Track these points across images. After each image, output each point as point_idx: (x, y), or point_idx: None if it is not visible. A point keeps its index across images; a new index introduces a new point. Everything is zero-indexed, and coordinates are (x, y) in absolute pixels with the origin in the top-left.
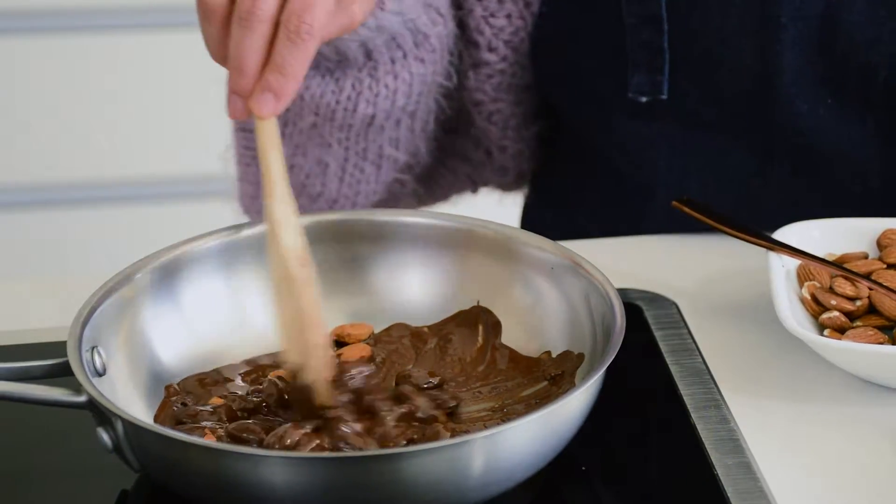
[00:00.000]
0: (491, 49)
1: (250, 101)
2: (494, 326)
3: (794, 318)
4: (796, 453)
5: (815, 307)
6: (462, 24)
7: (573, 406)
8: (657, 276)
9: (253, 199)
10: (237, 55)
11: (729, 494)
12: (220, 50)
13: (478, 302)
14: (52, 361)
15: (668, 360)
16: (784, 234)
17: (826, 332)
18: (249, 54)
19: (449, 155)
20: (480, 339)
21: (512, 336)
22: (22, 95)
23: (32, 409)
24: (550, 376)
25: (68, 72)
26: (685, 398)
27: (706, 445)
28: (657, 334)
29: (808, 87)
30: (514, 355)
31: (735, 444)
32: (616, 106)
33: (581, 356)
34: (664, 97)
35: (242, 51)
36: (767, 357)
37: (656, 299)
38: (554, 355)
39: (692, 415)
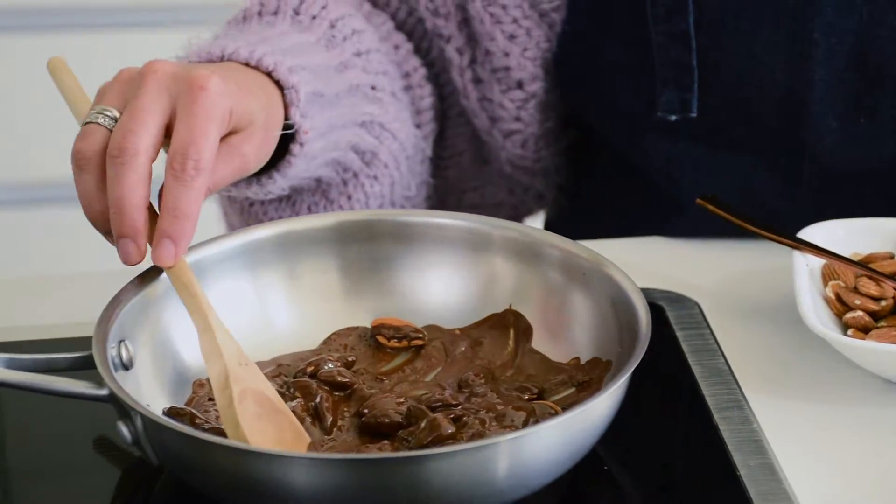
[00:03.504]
0: (520, 70)
1: (152, 256)
2: (525, 331)
3: (818, 317)
4: (819, 455)
5: (839, 307)
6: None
7: (598, 409)
8: (679, 276)
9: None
10: (117, 195)
11: (752, 496)
12: (99, 201)
13: (510, 305)
14: (77, 354)
15: (691, 360)
16: (809, 233)
17: (850, 332)
18: (128, 192)
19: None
20: (511, 343)
21: (540, 341)
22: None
23: (60, 402)
24: (578, 383)
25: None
26: (707, 399)
27: (729, 446)
28: (679, 334)
29: (838, 104)
30: (544, 361)
31: (758, 446)
32: (643, 124)
33: (609, 364)
34: (693, 115)
35: (121, 189)
36: (790, 357)
37: (678, 299)
38: (582, 361)
39: (714, 415)
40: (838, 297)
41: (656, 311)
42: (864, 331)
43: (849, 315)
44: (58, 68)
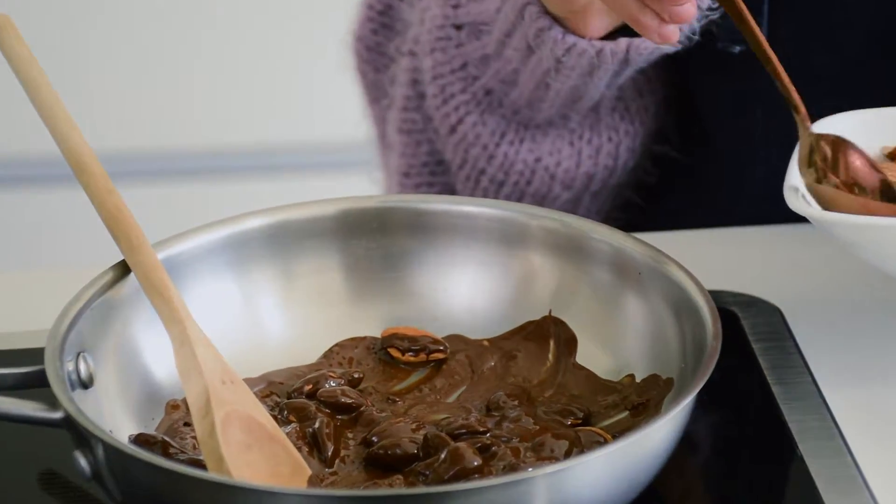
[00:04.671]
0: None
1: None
2: (568, 343)
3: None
4: None
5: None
6: None
7: (656, 438)
8: (756, 276)
9: (406, 176)
10: None
11: None
12: None
13: (549, 312)
14: (26, 369)
15: (770, 378)
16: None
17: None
18: None
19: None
20: (551, 357)
21: (586, 354)
22: None
23: (3, 427)
24: (632, 406)
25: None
26: (791, 426)
27: (818, 484)
28: (756, 347)
29: None
30: (591, 379)
31: (853, 484)
32: (705, 59)
33: (669, 382)
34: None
35: None
36: (894, 378)
37: (755, 304)
38: (638, 379)
39: (799, 446)
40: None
41: (728, 319)
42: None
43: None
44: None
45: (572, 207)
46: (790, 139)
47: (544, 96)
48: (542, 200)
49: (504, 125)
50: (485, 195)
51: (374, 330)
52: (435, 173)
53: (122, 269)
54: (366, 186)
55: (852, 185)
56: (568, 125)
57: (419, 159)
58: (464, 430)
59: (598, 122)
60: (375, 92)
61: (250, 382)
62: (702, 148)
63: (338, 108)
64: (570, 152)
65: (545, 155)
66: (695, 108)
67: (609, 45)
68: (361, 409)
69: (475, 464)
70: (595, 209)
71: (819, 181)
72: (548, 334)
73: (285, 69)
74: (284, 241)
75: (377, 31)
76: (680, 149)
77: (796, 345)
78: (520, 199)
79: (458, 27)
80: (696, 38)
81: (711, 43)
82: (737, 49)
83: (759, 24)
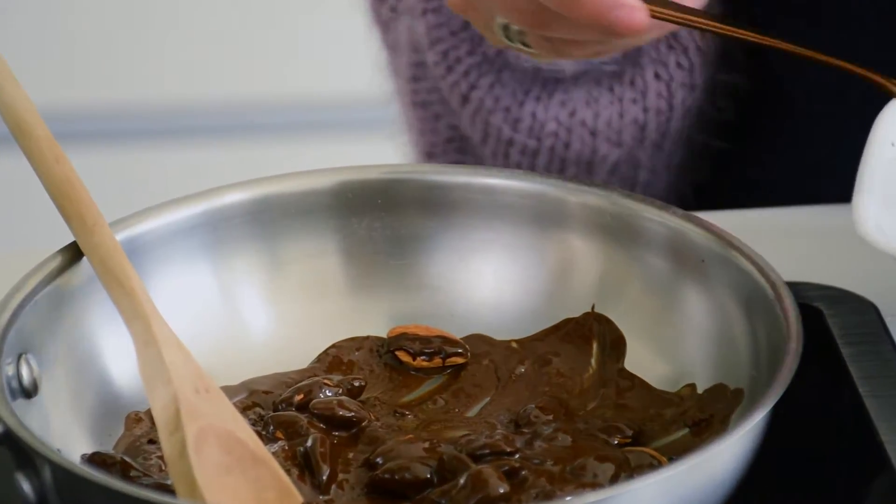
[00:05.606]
0: None
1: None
2: (615, 345)
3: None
4: None
5: None
6: None
7: (723, 461)
8: (847, 265)
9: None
10: None
11: None
12: None
13: (592, 307)
14: None
15: (863, 390)
16: None
17: None
18: None
19: None
20: (594, 362)
21: (637, 359)
22: None
23: None
24: (693, 422)
25: None
26: (888, 448)
27: None
28: (845, 351)
29: None
30: (642, 389)
31: None
32: None
33: (739, 393)
34: None
35: None
36: None
37: (844, 299)
38: (700, 390)
39: None
40: None
41: (812, 317)
42: None
43: None
44: None
45: (631, 169)
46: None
47: None
48: (588, 166)
49: (527, 81)
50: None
51: (379, 329)
52: (464, 150)
53: (73, 254)
54: (374, 153)
55: None
56: (603, 68)
57: (441, 135)
58: (487, 451)
59: (638, 56)
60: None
61: (229, 391)
62: (779, 106)
63: (343, 52)
64: (610, 98)
65: (580, 107)
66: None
67: None
68: (363, 423)
69: (501, 491)
70: (664, 164)
71: None
72: (590, 335)
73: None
74: (271, 219)
75: None
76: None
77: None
78: (562, 170)
79: None
80: None
81: None
82: None
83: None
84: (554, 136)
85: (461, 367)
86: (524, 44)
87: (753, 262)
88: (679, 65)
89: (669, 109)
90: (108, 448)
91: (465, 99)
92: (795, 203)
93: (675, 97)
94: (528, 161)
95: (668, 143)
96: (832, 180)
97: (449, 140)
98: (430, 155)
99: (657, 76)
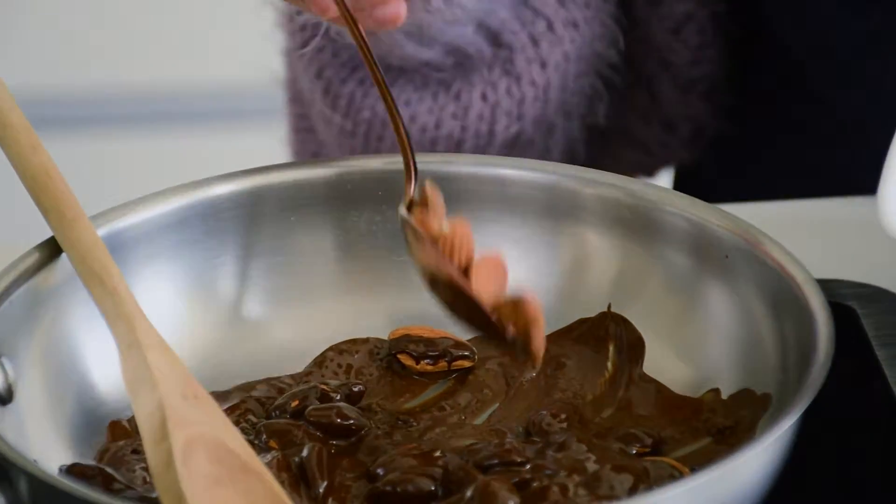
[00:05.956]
0: None
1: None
2: (633, 347)
3: None
4: None
5: None
6: None
7: (749, 471)
8: (881, 261)
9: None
10: None
11: None
12: None
13: (608, 307)
14: None
15: None
16: None
17: None
18: None
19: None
20: (611, 366)
21: (656, 362)
22: None
23: None
24: (717, 430)
25: None
26: None
27: None
28: (880, 354)
29: None
30: (662, 394)
31: None
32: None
33: (766, 399)
34: None
35: None
36: None
37: (879, 297)
38: (724, 395)
39: None
40: None
41: (844, 316)
42: None
43: None
44: None
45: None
46: None
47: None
48: None
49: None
50: None
51: (380, 330)
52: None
53: (52, 250)
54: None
55: None
56: (431, 74)
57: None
58: (496, 461)
59: (468, 72)
60: None
61: (219, 398)
62: (801, 91)
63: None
64: (431, 107)
65: (423, 114)
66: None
67: None
68: (363, 432)
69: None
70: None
71: None
72: (606, 336)
73: None
74: (264, 213)
75: None
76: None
77: None
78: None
79: None
80: None
81: None
82: None
83: None
84: (367, 123)
85: (468, 371)
86: None
87: (781, 258)
88: (508, 91)
89: (489, 135)
90: (88, 458)
91: (317, 78)
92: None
93: (497, 123)
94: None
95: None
96: (860, 171)
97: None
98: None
99: (483, 97)
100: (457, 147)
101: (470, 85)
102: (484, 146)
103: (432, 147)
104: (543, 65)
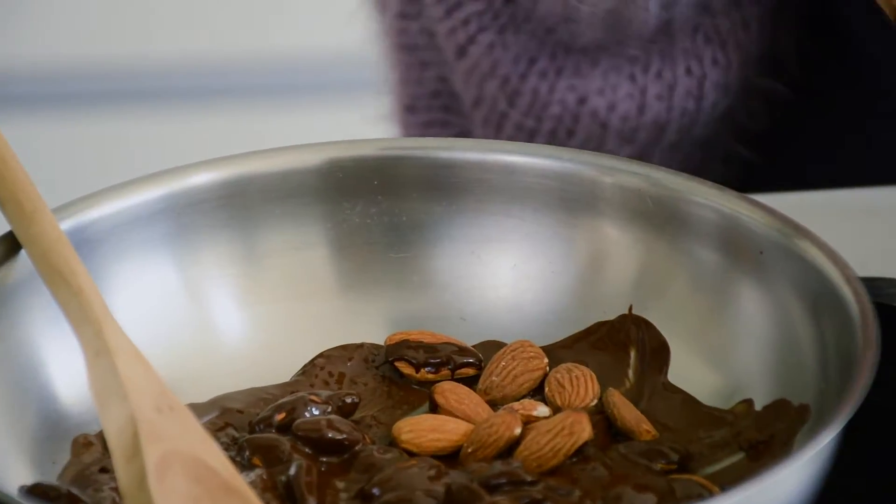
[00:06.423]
0: None
1: None
2: (658, 353)
3: None
4: None
5: None
6: None
7: (785, 490)
8: None
9: (410, 111)
10: None
11: None
12: None
13: (629, 308)
14: None
15: None
16: None
17: None
18: None
19: None
20: (632, 374)
21: (683, 369)
22: None
23: None
24: (750, 444)
25: None
26: None
27: None
28: None
29: None
30: (689, 405)
31: None
32: None
33: (804, 410)
34: None
35: None
36: None
37: None
38: (758, 406)
39: None
40: None
41: (891, 318)
42: None
43: None
44: None
45: None
46: None
47: (575, 15)
48: None
49: (534, 48)
50: None
51: (376, 335)
52: (450, 109)
53: (9, 246)
54: (369, 124)
55: None
56: (626, 51)
57: (426, 87)
58: (504, 480)
59: (671, 45)
60: None
61: (197, 410)
62: (837, 75)
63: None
64: (630, 90)
65: (592, 94)
66: (831, 19)
67: None
68: (357, 448)
69: None
70: (677, 167)
71: None
72: (627, 341)
73: None
74: (246, 204)
75: None
76: (800, 80)
77: None
78: None
79: None
80: None
81: None
82: None
83: None
84: (556, 119)
85: (473, 379)
86: None
87: (821, 254)
88: (716, 61)
89: (697, 111)
90: (51, 478)
91: (461, 51)
92: None
93: (705, 98)
94: (524, 139)
95: (687, 145)
96: None
97: (435, 94)
98: (411, 109)
99: (688, 71)
100: (661, 132)
101: (672, 60)
102: (690, 124)
103: (634, 134)
104: (746, 26)
